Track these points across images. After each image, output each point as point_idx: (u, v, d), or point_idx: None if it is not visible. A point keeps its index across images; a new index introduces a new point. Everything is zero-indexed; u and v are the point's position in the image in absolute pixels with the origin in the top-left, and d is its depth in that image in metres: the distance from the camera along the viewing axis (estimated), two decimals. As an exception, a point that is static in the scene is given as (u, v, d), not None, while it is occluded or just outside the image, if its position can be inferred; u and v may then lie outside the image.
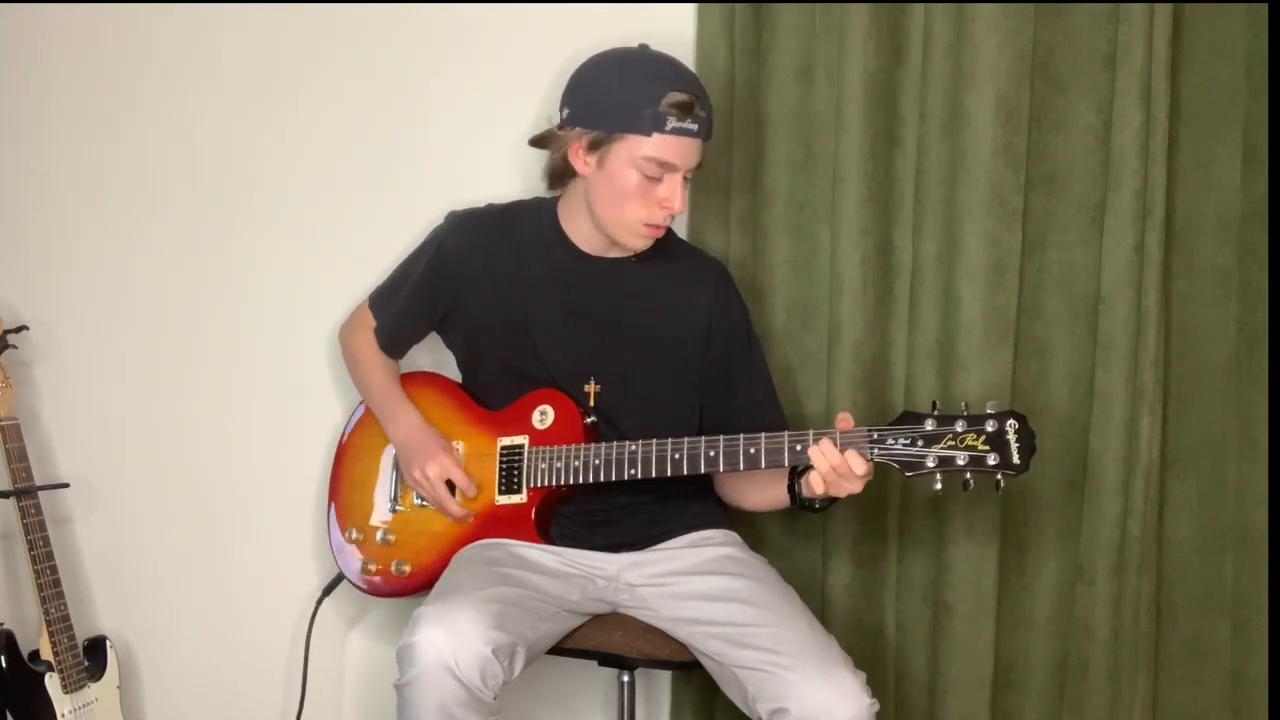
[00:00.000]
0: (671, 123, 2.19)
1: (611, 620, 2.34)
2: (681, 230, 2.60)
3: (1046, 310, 2.55)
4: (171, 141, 2.70)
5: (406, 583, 2.39)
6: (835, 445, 2.13)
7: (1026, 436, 2.10)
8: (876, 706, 2.09)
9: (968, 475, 2.11)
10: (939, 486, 2.12)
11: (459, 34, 2.66)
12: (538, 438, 2.33)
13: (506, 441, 2.35)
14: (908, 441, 2.12)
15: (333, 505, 2.50)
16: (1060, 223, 2.53)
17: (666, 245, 2.38)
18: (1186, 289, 2.55)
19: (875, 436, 2.13)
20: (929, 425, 2.12)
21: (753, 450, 2.18)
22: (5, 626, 2.51)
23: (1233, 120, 2.52)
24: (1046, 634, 2.57)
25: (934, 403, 2.16)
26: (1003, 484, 2.12)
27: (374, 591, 2.44)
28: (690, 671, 2.47)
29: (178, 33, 2.68)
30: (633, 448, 2.24)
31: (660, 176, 2.23)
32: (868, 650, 2.52)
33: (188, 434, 2.73)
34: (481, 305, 2.38)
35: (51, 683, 2.50)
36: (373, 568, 2.43)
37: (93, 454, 2.73)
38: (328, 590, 2.54)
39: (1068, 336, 2.55)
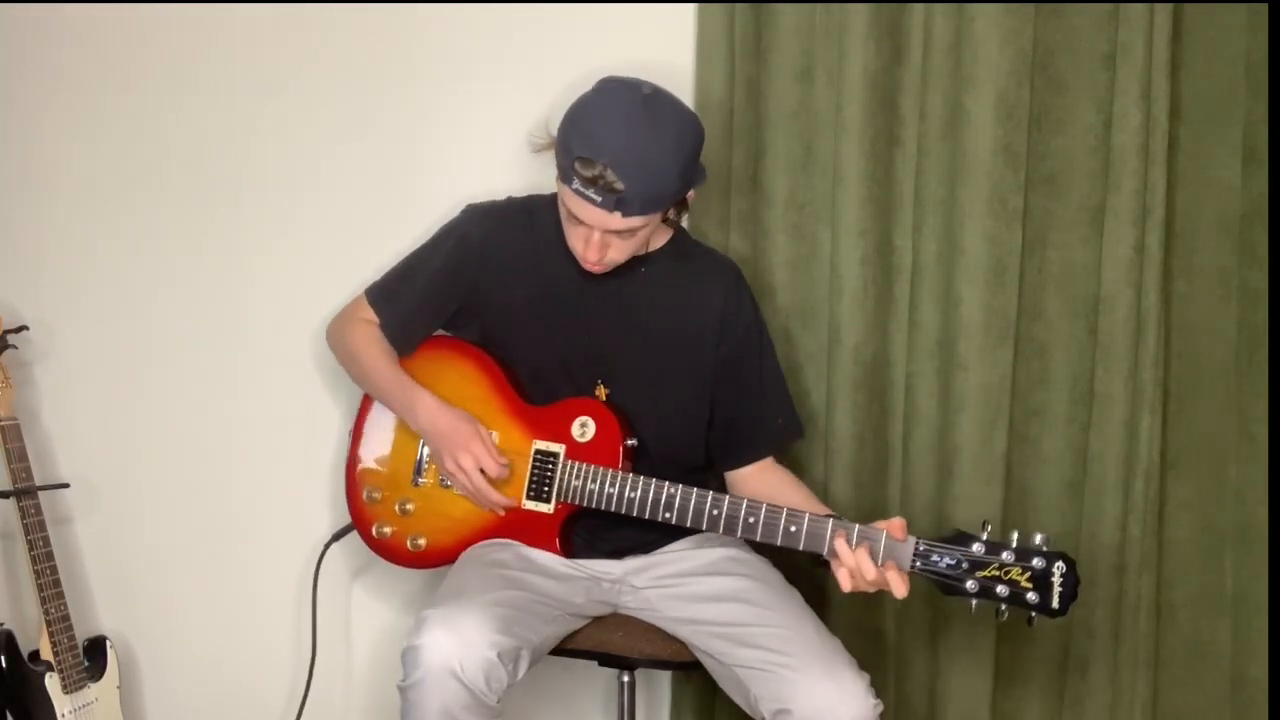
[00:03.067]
0: (576, 183, 2.15)
1: (612, 621, 2.34)
2: (681, 230, 2.61)
3: (1046, 310, 2.55)
4: (172, 142, 2.70)
5: (419, 557, 2.38)
6: (878, 552, 2.09)
7: (1070, 582, 2.06)
8: (881, 708, 2.09)
9: (1003, 606, 2.08)
10: (974, 610, 2.10)
11: (458, 32, 2.66)
12: (575, 450, 2.30)
13: (542, 446, 2.32)
14: (953, 563, 2.07)
15: (353, 461, 2.46)
16: (1060, 223, 2.53)
17: (679, 245, 2.37)
18: (1186, 289, 2.55)
19: (921, 549, 2.09)
20: (976, 548, 2.07)
21: (793, 529, 2.14)
22: (5, 626, 2.51)
23: (1233, 120, 2.52)
24: (1047, 633, 2.57)
25: (984, 523, 2.12)
26: (1034, 622, 2.09)
27: (384, 555, 2.42)
28: (690, 671, 2.47)
29: (179, 33, 2.68)
30: (671, 490, 2.21)
31: (577, 225, 2.21)
32: (868, 650, 2.52)
33: (187, 434, 2.74)
34: (501, 298, 2.36)
35: (51, 683, 2.50)
36: (387, 531, 2.40)
37: (93, 454, 2.73)
38: (338, 535, 2.51)
39: (1068, 336, 2.55)
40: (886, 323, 2.56)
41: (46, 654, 2.51)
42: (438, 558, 2.36)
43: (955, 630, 2.53)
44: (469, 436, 2.29)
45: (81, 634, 2.58)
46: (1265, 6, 2.49)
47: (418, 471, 2.40)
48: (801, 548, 2.14)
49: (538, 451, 2.31)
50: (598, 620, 2.33)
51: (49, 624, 2.51)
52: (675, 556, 2.35)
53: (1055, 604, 2.06)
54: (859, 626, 2.55)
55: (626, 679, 2.41)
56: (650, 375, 2.34)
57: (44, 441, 2.71)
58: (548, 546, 2.30)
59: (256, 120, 2.69)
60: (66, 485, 2.69)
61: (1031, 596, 2.06)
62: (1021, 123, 2.47)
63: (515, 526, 2.32)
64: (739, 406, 2.37)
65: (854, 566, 2.08)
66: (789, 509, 2.15)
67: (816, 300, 2.60)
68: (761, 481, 2.36)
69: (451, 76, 2.67)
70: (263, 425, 2.72)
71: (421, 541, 2.38)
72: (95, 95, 2.70)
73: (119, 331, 2.73)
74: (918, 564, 2.08)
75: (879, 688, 2.12)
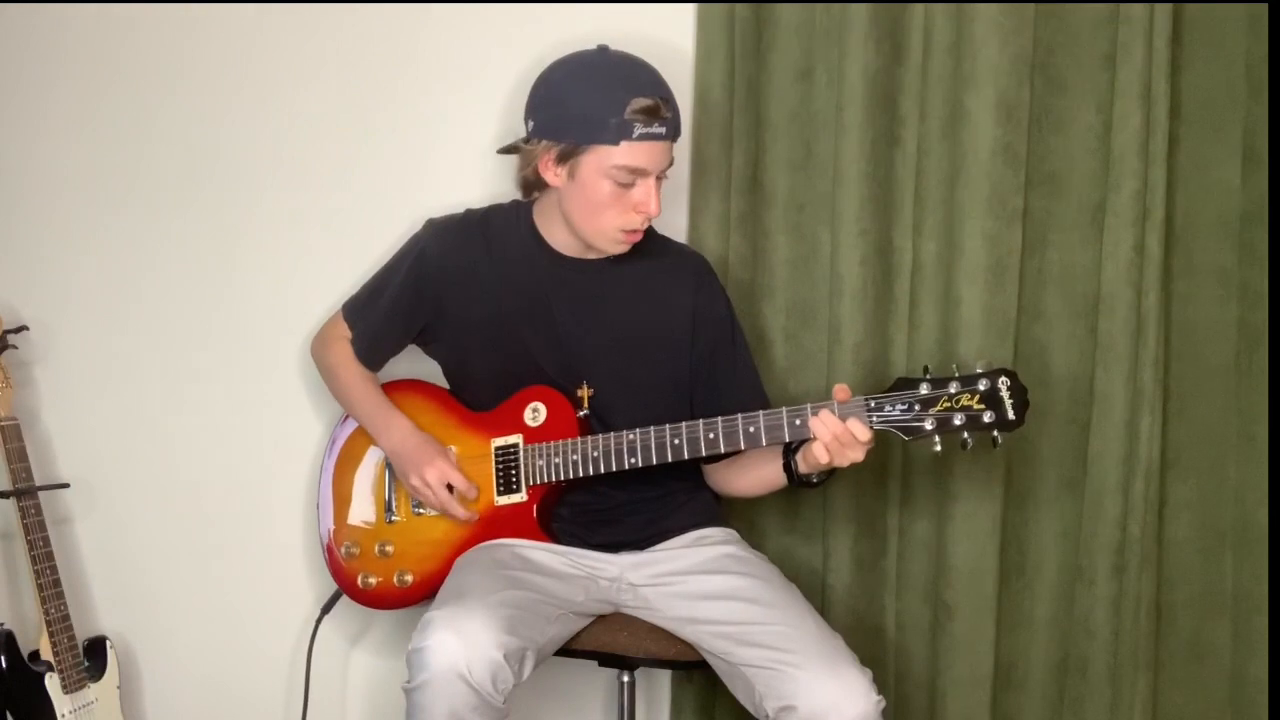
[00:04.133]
0: (639, 129, 2.17)
1: (616, 620, 2.34)
2: (681, 231, 2.60)
3: (1046, 310, 2.55)
4: (170, 143, 2.70)
5: (410, 593, 2.39)
6: (835, 415, 2.14)
7: (1020, 392, 2.14)
8: (884, 704, 2.10)
9: (965, 435, 2.13)
10: (939, 448, 2.16)
11: (455, 33, 2.65)
12: (532, 435, 2.32)
13: (500, 441, 2.35)
14: (905, 407, 2.15)
15: (325, 522, 2.47)
16: (1060, 223, 2.54)
17: (645, 243, 2.36)
18: (1186, 289, 2.55)
19: (873, 405, 2.15)
20: (924, 389, 2.15)
21: (752, 429, 2.19)
22: (5, 626, 2.51)
23: (1233, 120, 2.53)
24: (1046, 634, 2.57)
25: (925, 367, 2.20)
26: (999, 441, 2.14)
27: (376, 605, 2.43)
28: (691, 671, 2.47)
29: (174, 36, 2.68)
30: (630, 436, 2.24)
31: (633, 182, 2.22)
32: (868, 650, 2.51)
33: (187, 434, 2.73)
34: (467, 311, 2.37)
35: (51, 683, 2.50)
36: (373, 580, 2.41)
37: (93, 454, 2.73)
38: (326, 608, 2.52)
39: (1068, 336, 2.55)
40: (886, 323, 2.56)
41: (46, 654, 2.51)
42: (427, 588, 2.36)
43: (956, 628, 2.53)
44: (433, 454, 2.34)
45: (81, 634, 2.57)
46: (1265, 7, 2.49)
47: (389, 510, 2.42)
48: (765, 443, 2.19)
49: (497, 448, 2.34)
50: (602, 620, 2.33)
51: (49, 624, 2.51)
52: (671, 554, 2.35)
53: (1010, 415, 2.14)
54: (859, 625, 2.55)
55: (626, 679, 2.41)
56: (630, 373, 2.35)
57: (44, 441, 2.71)
58: (531, 535, 2.32)
59: (258, 121, 2.69)
60: (66, 485, 2.68)
61: (987, 416, 2.13)
62: (1021, 123, 2.48)
63: (496, 525, 2.34)
64: (715, 399, 2.37)
65: (823, 429, 2.13)
66: (744, 415, 2.20)
67: (816, 300, 2.60)
68: (736, 464, 2.37)
69: (448, 79, 2.66)
70: (264, 423, 2.72)
71: (409, 578, 2.38)
72: (95, 95, 2.70)
73: (119, 331, 2.73)
74: (874, 419, 2.15)
75: (879, 687, 2.12)
